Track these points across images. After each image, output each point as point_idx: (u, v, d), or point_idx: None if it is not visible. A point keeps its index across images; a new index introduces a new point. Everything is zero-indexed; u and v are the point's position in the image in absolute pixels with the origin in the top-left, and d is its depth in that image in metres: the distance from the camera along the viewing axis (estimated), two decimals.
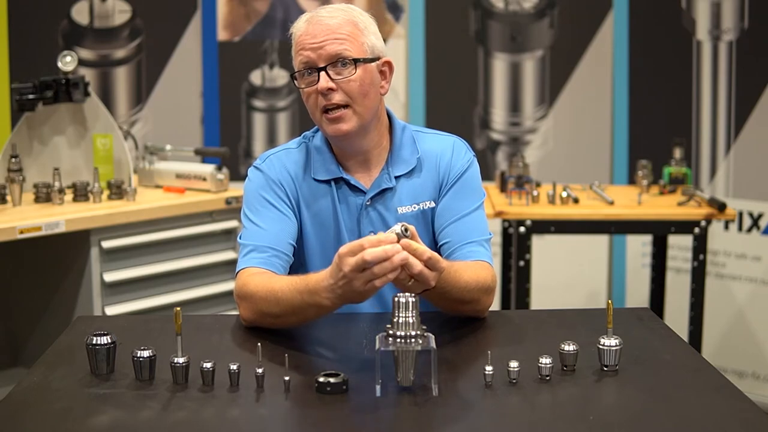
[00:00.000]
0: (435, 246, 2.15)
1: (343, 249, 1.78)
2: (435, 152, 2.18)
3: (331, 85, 2.05)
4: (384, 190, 2.15)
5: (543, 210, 3.47)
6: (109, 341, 1.75)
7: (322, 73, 2.06)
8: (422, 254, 1.77)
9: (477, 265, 2.05)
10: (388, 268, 1.74)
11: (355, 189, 2.14)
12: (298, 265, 2.16)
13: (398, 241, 1.75)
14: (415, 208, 2.16)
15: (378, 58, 2.12)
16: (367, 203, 2.14)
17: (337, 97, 2.06)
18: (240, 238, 2.13)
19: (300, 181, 2.16)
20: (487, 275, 2.04)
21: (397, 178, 2.15)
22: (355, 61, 2.06)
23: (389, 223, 2.12)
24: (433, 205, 2.17)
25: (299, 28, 2.11)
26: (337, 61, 2.06)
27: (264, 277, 2.01)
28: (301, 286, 1.89)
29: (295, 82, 2.12)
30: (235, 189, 3.63)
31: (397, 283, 1.79)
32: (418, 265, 1.76)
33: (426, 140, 2.20)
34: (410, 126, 2.23)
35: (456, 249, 2.11)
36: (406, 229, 1.78)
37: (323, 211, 2.14)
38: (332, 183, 2.15)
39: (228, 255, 3.55)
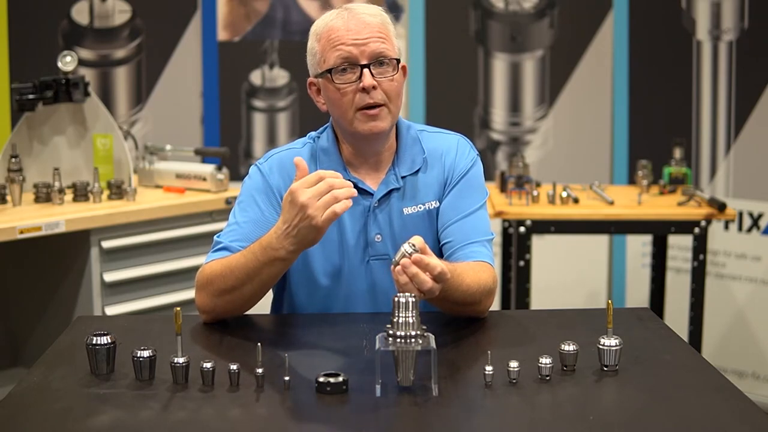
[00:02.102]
0: (438, 244, 2.15)
1: (294, 185, 1.84)
2: (439, 151, 2.18)
3: (375, 83, 2.04)
4: (390, 191, 2.13)
5: (543, 210, 3.47)
6: (109, 341, 1.75)
7: (366, 70, 2.04)
8: (434, 269, 1.77)
9: (478, 267, 2.04)
10: (345, 194, 1.82)
11: (363, 192, 2.12)
12: (301, 267, 2.13)
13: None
14: (420, 208, 2.14)
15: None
16: (375, 205, 2.12)
17: (379, 96, 2.05)
18: (217, 236, 2.12)
19: None
20: (488, 277, 2.04)
21: (403, 178, 2.15)
22: (397, 62, 2.07)
23: (395, 225, 2.12)
24: (437, 204, 2.15)
25: (335, 23, 2.07)
26: (378, 60, 2.05)
27: (221, 259, 2.03)
28: (254, 247, 1.94)
29: (318, 81, 2.09)
30: (235, 189, 3.62)
31: (400, 287, 1.79)
32: (428, 282, 1.77)
33: (430, 139, 2.20)
34: (414, 125, 2.22)
35: (458, 249, 2.10)
36: (413, 245, 1.78)
37: None
38: None
39: None
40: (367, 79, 2.03)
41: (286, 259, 1.92)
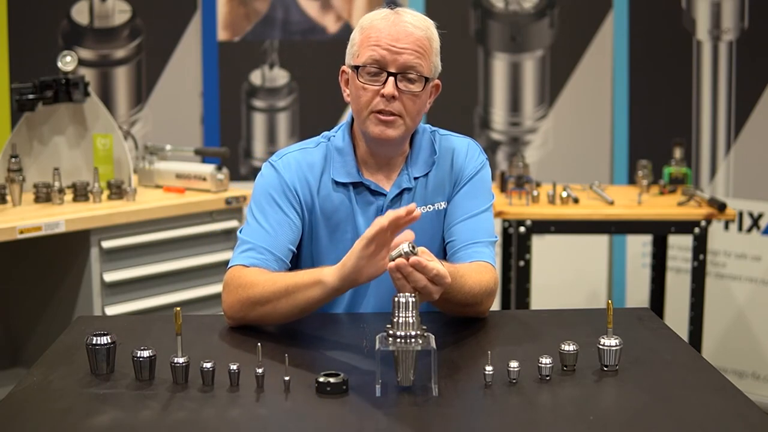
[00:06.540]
0: (443, 243, 2.16)
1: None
2: (450, 153, 2.19)
3: (396, 93, 2.04)
4: (402, 191, 2.14)
5: (543, 210, 3.47)
6: (109, 341, 1.75)
7: (391, 79, 2.04)
8: (429, 271, 1.77)
9: (480, 268, 2.05)
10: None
11: (375, 192, 2.14)
12: (313, 265, 2.12)
13: (407, 260, 1.76)
14: (430, 208, 2.16)
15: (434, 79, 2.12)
16: (388, 205, 2.12)
17: (396, 107, 2.05)
18: (240, 232, 2.11)
19: (316, 183, 2.13)
20: (489, 278, 2.04)
21: (416, 179, 2.16)
22: (426, 80, 2.07)
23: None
24: (446, 205, 2.17)
25: (379, 23, 2.07)
26: (408, 72, 2.05)
27: (267, 270, 2.02)
28: (306, 269, 1.98)
29: (349, 71, 2.10)
30: (235, 189, 3.63)
31: (396, 284, 1.79)
32: (422, 280, 1.77)
33: (442, 141, 2.21)
34: (427, 126, 2.23)
35: (461, 248, 2.11)
36: (413, 245, 1.78)
37: (339, 214, 2.13)
38: (350, 186, 2.13)
39: (228, 255, 3.54)
40: (389, 88, 2.04)
41: (331, 284, 1.88)
